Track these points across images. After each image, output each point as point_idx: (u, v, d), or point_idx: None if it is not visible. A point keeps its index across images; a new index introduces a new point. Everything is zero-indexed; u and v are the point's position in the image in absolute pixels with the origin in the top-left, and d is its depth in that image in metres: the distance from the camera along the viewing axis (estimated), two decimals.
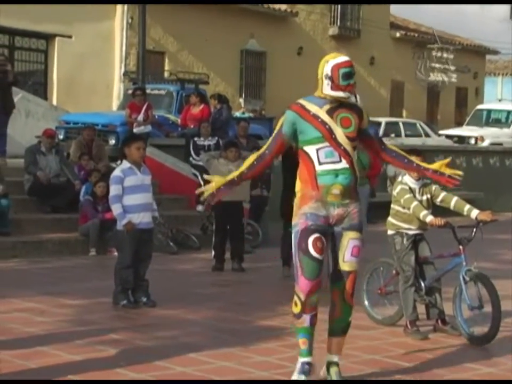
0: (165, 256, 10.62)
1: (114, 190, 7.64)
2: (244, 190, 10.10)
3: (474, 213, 6.54)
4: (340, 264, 5.19)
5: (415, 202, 6.65)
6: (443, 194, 6.78)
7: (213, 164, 10.13)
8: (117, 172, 7.72)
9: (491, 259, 10.28)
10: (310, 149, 5.15)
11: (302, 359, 5.22)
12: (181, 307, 7.61)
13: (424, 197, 6.79)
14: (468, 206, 6.62)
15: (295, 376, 5.21)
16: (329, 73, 5.16)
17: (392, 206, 6.87)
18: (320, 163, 5.12)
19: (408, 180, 6.80)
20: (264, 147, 5.29)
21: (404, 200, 6.69)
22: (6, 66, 13.75)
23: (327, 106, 5.19)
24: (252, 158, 5.29)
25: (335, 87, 5.15)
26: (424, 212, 6.59)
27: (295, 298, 5.15)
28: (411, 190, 6.75)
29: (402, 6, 40.58)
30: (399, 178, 7.02)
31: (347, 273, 5.18)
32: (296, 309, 5.16)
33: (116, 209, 7.63)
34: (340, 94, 5.16)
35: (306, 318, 5.16)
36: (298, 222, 5.14)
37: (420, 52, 30.87)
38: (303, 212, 5.13)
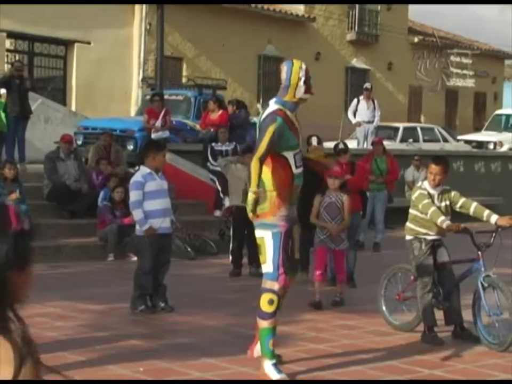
0: (183, 262, 10.64)
1: (135, 195, 7.61)
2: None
3: (494, 218, 6.51)
4: (294, 254, 5.61)
5: (433, 208, 6.60)
6: (462, 200, 6.74)
7: (230, 169, 10.15)
8: (137, 177, 7.68)
9: (510, 265, 10.21)
10: (289, 155, 5.45)
11: (273, 361, 5.38)
12: (199, 312, 7.62)
13: (443, 203, 6.74)
14: (487, 212, 6.59)
15: (278, 376, 5.30)
16: (304, 78, 5.46)
17: (410, 211, 6.84)
18: (296, 167, 5.48)
19: (427, 185, 6.76)
20: (260, 154, 5.32)
21: (422, 206, 6.65)
22: (22, 71, 13.85)
23: (295, 111, 5.53)
24: (258, 169, 5.33)
25: (307, 89, 5.48)
26: (442, 217, 6.54)
27: (271, 297, 5.36)
28: (430, 196, 6.70)
29: (420, 10, 40.57)
30: (418, 183, 7.00)
31: (297, 260, 5.71)
32: (272, 308, 5.37)
33: (137, 214, 7.61)
34: (307, 96, 5.53)
35: (276, 315, 5.42)
36: (280, 224, 5.42)
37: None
38: (283, 215, 5.43)
